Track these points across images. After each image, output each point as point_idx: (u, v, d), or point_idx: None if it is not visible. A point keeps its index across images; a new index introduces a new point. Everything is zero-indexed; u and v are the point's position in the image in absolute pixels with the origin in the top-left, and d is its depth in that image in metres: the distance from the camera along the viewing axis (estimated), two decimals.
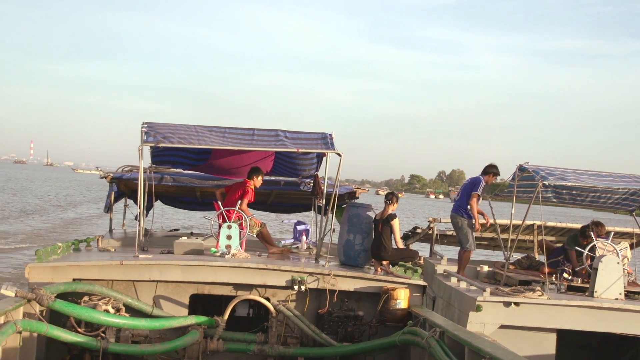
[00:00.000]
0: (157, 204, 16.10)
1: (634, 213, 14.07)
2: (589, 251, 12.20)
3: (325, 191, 12.28)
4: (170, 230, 17.24)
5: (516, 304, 10.46)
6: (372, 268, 11.74)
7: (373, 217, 11.95)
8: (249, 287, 10.77)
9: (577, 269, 12.50)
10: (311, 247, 14.23)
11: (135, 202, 13.17)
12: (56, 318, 9.45)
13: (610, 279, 11.37)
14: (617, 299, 11.19)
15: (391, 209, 11.77)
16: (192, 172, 14.78)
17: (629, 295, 11.65)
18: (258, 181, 12.85)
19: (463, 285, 11.66)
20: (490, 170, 13.10)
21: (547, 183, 11.78)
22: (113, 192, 15.03)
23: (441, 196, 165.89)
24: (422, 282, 10.96)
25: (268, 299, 10.75)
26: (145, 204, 12.56)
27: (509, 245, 12.30)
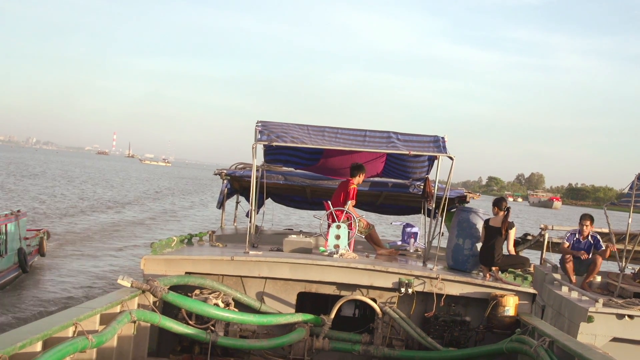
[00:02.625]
0: (268, 202, 16.39)
1: None
2: None
3: (435, 194, 12.20)
4: (285, 229, 17.51)
5: (630, 316, 10.12)
6: (481, 274, 11.59)
7: (483, 222, 11.80)
8: (355, 287, 10.81)
9: None
10: (419, 250, 14.17)
11: (247, 199, 13.44)
12: (168, 309, 9.75)
13: None
14: None
15: (509, 216, 11.60)
16: (303, 171, 14.95)
17: None
18: (361, 178, 12.87)
19: (574, 294, 11.36)
20: None
21: None
22: (226, 189, 15.38)
23: (520, 199, 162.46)
24: (531, 290, 10.75)
25: (374, 300, 10.76)
26: (257, 201, 12.78)
27: (624, 256, 11.92)
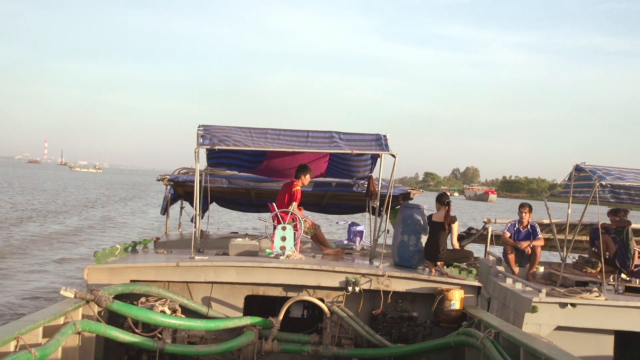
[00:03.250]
0: (213, 206, 16.30)
1: None
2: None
3: (379, 192, 12.28)
4: (231, 233, 17.44)
5: (573, 305, 10.33)
6: (427, 269, 11.71)
7: (426, 217, 11.92)
8: (303, 288, 10.83)
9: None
10: (365, 248, 14.25)
11: (191, 204, 13.34)
12: (114, 319, 9.64)
13: None
14: None
15: (451, 211, 11.74)
16: (247, 174, 14.91)
17: None
18: (306, 179, 12.88)
19: (518, 286, 11.55)
20: None
21: (604, 183, 11.61)
22: (169, 194, 15.25)
23: (456, 194, 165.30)
24: (476, 283, 10.90)
25: (322, 300, 10.79)
26: (201, 206, 12.71)
27: (565, 246, 12.16)
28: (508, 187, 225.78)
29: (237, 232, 18.22)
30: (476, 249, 17.12)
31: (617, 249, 13.44)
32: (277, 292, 10.94)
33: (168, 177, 14.69)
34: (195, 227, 12.07)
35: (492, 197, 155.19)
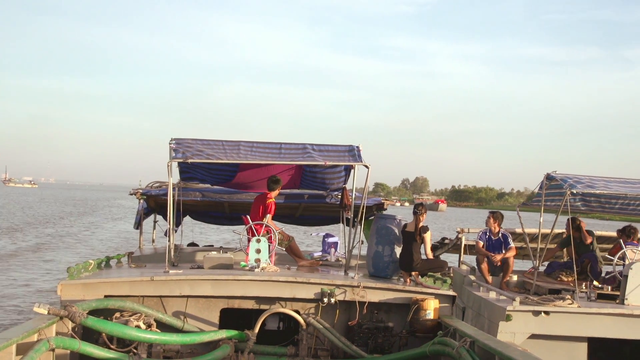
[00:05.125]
0: (187, 219, 16.25)
1: None
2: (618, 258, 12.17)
3: (353, 203, 12.32)
4: (205, 246, 17.35)
5: (546, 312, 10.42)
6: (401, 279, 11.75)
7: (401, 228, 11.97)
8: (278, 300, 10.82)
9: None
10: (340, 259, 14.26)
11: (165, 218, 13.30)
12: (88, 335, 9.56)
13: None
14: None
15: (422, 220, 11.79)
16: (221, 187, 14.88)
17: None
18: (277, 192, 12.91)
19: (492, 295, 11.63)
20: None
21: (575, 191, 11.72)
22: (142, 209, 15.17)
23: (406, 204, 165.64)
24: (451, 293, 10.96)
25: (298, 312, 10.79)
26: (174, 220, 12.66)
27: (537, 254, 12.26)
28: (457, 196, 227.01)
29: (211, 245, 18.12)
30: (450, 259, 17.21)
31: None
32: (253, 304, 10.92)
33: (141, 191, 14.62)
34: (169, 240, 12.02)
35: (442, 206, 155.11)
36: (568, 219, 13.44)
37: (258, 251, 11.58)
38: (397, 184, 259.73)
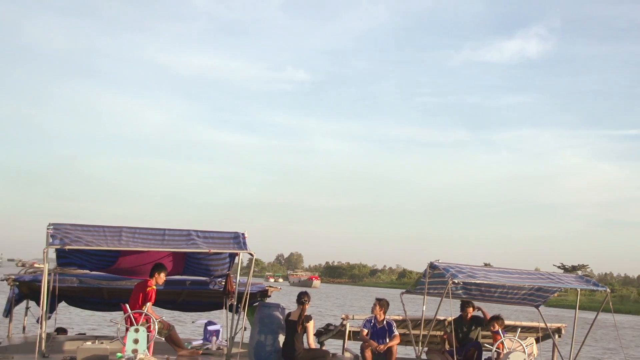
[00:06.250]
0: (63, 305, 15.57)
1: (539, 308, 14.42)
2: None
3: (237, 290, 12.13)
4: (78, 334, 16.59)
5: None
6: None
7: (284, 316, 11.84)
8: None
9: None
10: (222, 348, 13.93)
11: (38, 303, 12.69)
12: None
13: None
14: None
15: (306, 310, 11.72)
16: (100, 273, 14.39)
17: None
18: (161, 278, 12.49)
19: None
20: None
21: (457, 280, 11.97)
22: (14, 295, 14.43)
23: (280, 279, 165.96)
24: None
25: None
26: (49, 306, 12.10)
27: (420, 341, 12.35)
28: (331, 272, 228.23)
29: (84, 334, 17.30)
30: (334, 344, 17.09)
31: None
32: None
33: (13, 277, 13.94)
34: (40, 328, 11.46)
35: (316, 282, 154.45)
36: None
37: (136, 341, 11.16)
38: (271, 259, 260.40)
